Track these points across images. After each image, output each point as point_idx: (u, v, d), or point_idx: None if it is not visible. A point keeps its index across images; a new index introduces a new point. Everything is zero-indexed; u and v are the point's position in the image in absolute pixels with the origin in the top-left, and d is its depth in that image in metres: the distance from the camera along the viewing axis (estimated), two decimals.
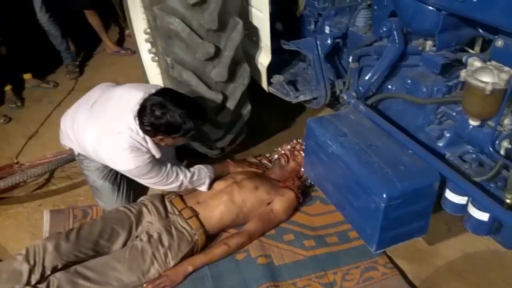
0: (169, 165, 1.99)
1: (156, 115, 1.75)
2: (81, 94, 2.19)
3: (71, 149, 2.16)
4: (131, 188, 2.27)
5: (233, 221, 2.11)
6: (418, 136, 1.52)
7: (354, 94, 1.71)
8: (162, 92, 1.87)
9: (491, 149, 1.24)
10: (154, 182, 1.99)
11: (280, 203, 2.16)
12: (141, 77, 2.90)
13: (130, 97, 1.91)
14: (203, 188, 2.13)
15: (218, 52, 1.93)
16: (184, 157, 2.35)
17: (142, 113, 1.79)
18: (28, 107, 3.37)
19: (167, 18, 1.82)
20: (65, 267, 1.83)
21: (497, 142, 1.24)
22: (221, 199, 2.11)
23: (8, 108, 3.32)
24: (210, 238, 2.08)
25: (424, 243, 2.10)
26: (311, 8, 2.19)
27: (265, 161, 2.50)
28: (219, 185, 2.20)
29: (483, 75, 1.14)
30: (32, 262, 1.79)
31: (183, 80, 1.95)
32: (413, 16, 1.45)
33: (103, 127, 1.89)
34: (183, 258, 1.95)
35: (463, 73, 1.22)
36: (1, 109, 3.32)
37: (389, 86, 1.68)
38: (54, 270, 1.81)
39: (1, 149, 2.85)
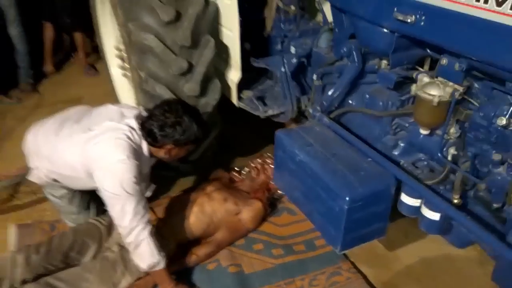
0: (145, 201, 1.78)
1: (171, 121, 1.72)
2: (47, 109, 2.17)
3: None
4: (100, 204, 2.25)
5: (204, 231, 2.16)
6: (376, 146, 1.66)
7: (318, 108, 1.85)
8: (167, 103, 1.82)
9: (440, 155, 1.39)
10: (120, 197, 1.67)
11: (247, 213, 2.24)
12: (107, 94, 2.91)
13: (127, 110, 1.88)
14: (140, 264, 1.76)
15: (190, 67, 2.03)
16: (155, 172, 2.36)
17: (150, 120, 1.76)
18: None
19: (142, 34, 1.90)
20: (35, 279, 1.82)
21: (445, 149, 1.40)
22: (192, 210, 2.17)
23: None
24: (180, 247, 2.12)
25: (384, 249, 2.23)
26: (277, 30, 2.34)
27: (236, 174, 2.59)
28: (190, 196, 2.26)
29: (431, 89, 1.30)
30: (0, 275, 1.77)
31: (156, 94, 2.02)
32: (369, 38, 1.61)
33: (99, 133, 1.75)
34: None
35: (413, 88, 1.38)
36: None
37: (350, 101, 1.83)
38: (23, 282, 1.80)
39: None
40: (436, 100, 1.27)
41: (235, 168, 2.65)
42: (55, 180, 1.97)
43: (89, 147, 1.73)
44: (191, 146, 1.90)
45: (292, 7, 2.21)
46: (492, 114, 1.20)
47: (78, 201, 2.10)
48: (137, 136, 1.80)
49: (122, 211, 1.68)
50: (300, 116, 2.19)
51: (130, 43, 1.99)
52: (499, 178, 1.23)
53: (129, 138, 1.74)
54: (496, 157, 1.21)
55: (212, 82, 2.16)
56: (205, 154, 2.44)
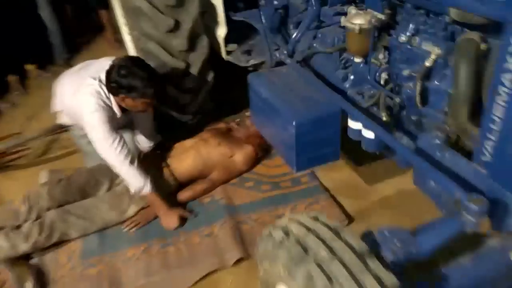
0: (122, 140, 2.10)
1: (121, 74, 2.01)
2: None
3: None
4: None
5: (200, 172, 2.47)
6: (331, 80, 1.85)
7: (285, 52, 2.05)
8: (130, 58, 2.18)
9: (370, 80, 1.56)
10: (100, 139, 2.06)
11: (240, 156, 2.51)
12: None
13: (107, 62, 2.18)
14: (130, 189, 2.14)
15: (178, 25, 2.29)
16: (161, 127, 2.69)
17: (109, 71, 2.06)
18: (31, 94, 3.80)
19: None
20: (57, 208, 2.22)
21: (377, 74, 1.56)
22: (189, 153, 2.48)
23: (14, 95, 3.75)
24: (181, 186, 2.44)
25: (363, 183, 2.43)
26: None
27: (233, 124, 2.85)
28: (188, 142, 2.57)
29: (355, 19, 1.47)
30: (29, 204, 2.18)
31: (149, 50, 2.32)
32: None
33: (81, 81, 2.14)
34: None
35: (342, 19, 1.55)
36: (8, 96, 3.76)
37: (314, 44, 2.02)
38: (48, 210, 2.21)
39: (7, 129, 3.27)
40: (357, 28, 1.44)
41: (235, 120, 2.92)
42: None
43: (73, 97, 2.14)
44: (146, 100, 2.09)
45: None
46: (401, 34, 1.36)
47: None
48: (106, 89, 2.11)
49: (105, 151, 2.09)
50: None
51: (125, 6, 2.29)
52: (409, 91, 1.40)
53: (97, 92, 2.07)
54: (406, 73, 1.38)
55: (200, 38, 2.41)
56: (204, 107, 2.72)
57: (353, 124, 1.68)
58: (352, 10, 1.52)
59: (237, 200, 2.38)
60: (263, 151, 2.64)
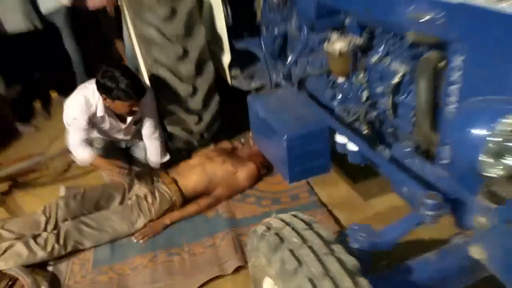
0: (85, 131, 2.53)
1: (102, 75, 2.27)
2: None
3: None
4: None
5: (206, 188, 2.64)
6: (322, 100, 2.02)
7: (281, 75, 2.25)
8: (117, 64, 2.44)
9: (355, 98, 1.73)
10: (66, 121, 2.57)
11: (243, 173, 2.69)
12: None
13: None
14: (77, 161, 2.70)
15: (186, 53, 2.53)
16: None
17: (97, 72, 2.34)
18: (54, 119, 4.09)
19: (145, 28, 2.45)
20: (72, 219, 2.41)
21: (359, 92, 1.73)
22: (196, 170, 2.66)
23: (38, 119, 4.06)
24: (187, 201, 2.61)
25: (359, 198, 2.55)
26: (264, 18, 2.76)
27: (237, 143, 3.04)
28: (194, 160, 2.76)
29: (335, 44, 1.65)
30: (48, 215, 2.38)
31: (160, 76, 2.55)
32: (300, 7, 1.96)
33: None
34: (163, 214, 2.50)
35: (325, 45, 1.73)
36: (33, 120, 4.07)
37: (307, 67, 2.21)
38: (64, 221, 2.40)
39: (31, 150, 3.54)
40: (337, 51, 1.62)
41: (240, 140, 3.11)
42: None
43: None
44: (124, 103, 2.35)
45: None
46: (375, 55, 1.54)
47: (109, 154, 2.73)
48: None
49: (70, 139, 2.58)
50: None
51: (140, 37, 2.55)
52: (383, 106, 1.55)
53: (86, 87, 2.46)
54: (380, 89, 1.54)
55: (206, 64, 2.64)
56: (210, 128, 2.92)
57: (340, 139, 1.84)
58: (334, 35, 1.70)
59: (239, 214, 2.53)
60: (265, 168, 2.80)
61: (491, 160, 0.88)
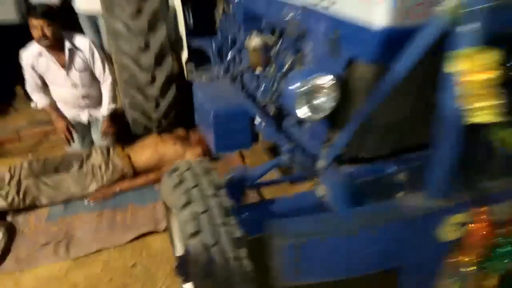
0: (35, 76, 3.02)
1: None
2: None
3: None
4: (92, 141, 3.27)
5: (155, 165, 3.04)
6: (251, 91, 2.45)
7: (222, 68, 2.69)
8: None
9: (268, 86, 2.16)
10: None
11: (190, 155, 3.09)
12: None
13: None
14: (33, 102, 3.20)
15: (147, 45, 2.95)
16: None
17: None
18: None
19: (114, 22, 2.88)
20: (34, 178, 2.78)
21: (270, 83, 2.16)
22: (148, 148, 3.06)
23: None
24: (137, 175, 3.00)
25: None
26: (221, 24, 3.22)
27: (190, 131, 3.44)
28: (149, 140, 3.16)
29: (252, 41, 2.09)
30: (12, 173, 2.75)
31: (124, 64, 2.97)
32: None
33: None
34: (115, 183, 2.89)
35: (246, 41, 2.16)
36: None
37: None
38: (26, 179, 2.76)
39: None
40: (251, 47, 2.06)
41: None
42: None
43: None
44: (33, 20, 2.74)
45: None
46: (276, 51, 1.98)
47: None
48: None
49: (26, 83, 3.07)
50: None
51: (109, 30, 2.98)
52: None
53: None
54: (277, 77, 1.98)
55: (165, 58, 3.06)
56: (167, 115, 3.32)
57: (257, 120, 2.26)
58: (253, 34, 2.14)
59: None
60: (209, 153, 3.20)
61: (301, 104, 1.32)
